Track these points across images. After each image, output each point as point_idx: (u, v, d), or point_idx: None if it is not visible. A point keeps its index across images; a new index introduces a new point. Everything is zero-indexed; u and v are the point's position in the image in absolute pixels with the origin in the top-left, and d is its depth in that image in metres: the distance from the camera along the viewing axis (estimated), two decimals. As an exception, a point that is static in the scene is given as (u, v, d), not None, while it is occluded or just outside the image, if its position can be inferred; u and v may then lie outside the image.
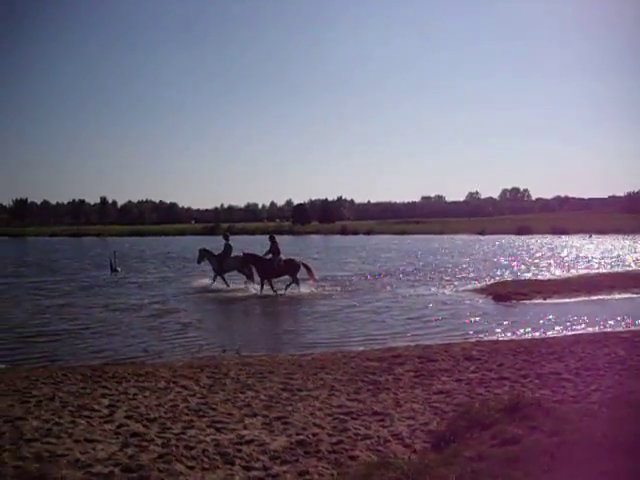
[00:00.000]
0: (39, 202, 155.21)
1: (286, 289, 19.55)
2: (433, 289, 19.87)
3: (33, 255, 43.57)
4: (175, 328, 13.14)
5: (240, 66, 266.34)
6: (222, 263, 21.03)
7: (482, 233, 73.18)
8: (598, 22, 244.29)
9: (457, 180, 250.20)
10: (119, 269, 27.80)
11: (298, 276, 19.82)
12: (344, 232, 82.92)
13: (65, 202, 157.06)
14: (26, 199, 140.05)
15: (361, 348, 10.71)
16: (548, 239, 59.01)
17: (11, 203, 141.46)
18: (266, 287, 19.68)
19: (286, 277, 19.98)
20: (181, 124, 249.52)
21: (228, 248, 21.30)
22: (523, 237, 64.52)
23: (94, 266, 31.70)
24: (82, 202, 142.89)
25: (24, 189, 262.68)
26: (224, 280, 20.97)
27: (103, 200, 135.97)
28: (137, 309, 16.12)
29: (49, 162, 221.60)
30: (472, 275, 24.20)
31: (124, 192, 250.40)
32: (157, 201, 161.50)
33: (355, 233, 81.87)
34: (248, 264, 20.45)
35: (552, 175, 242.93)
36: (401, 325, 13.24)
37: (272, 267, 19.73)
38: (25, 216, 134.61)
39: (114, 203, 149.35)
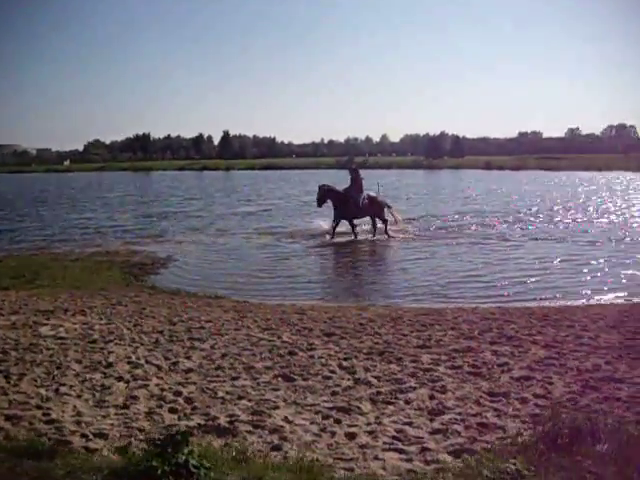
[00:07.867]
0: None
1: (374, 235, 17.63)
2: None
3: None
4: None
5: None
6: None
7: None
8: None
9: (554, 116, 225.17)
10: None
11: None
12: (488, 167, 77.56)
13: (161, 137, 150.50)
14: (149, 134, 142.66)
15: None
16: None
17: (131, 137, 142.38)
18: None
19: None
20: (274, 59, 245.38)
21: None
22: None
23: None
24: (202, 137, 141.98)
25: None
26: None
27: (226, 134, 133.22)
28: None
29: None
30: None
31: (217, 127, 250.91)
32: (251, 136, 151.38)
33: (500, 168, 76.08)
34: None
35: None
36: None
37: (356, 205, 17.43)
38: (147, 151, 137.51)
39: (209, 138, 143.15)
